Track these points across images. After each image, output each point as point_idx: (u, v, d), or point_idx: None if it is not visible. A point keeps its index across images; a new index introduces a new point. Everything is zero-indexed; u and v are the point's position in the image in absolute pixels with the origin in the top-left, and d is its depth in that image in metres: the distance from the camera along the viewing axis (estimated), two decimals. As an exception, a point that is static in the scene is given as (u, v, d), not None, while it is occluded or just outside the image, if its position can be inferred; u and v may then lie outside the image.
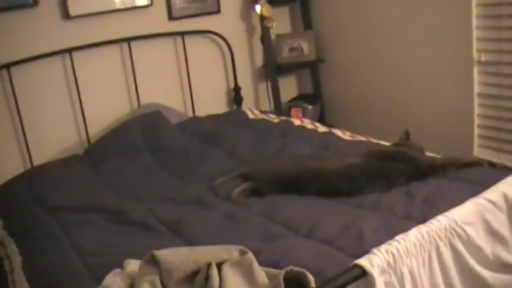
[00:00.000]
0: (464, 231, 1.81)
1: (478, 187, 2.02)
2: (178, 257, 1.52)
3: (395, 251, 1.64)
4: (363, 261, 1.58)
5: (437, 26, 3.16)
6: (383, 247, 1.65)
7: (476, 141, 3.16)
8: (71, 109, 3.24)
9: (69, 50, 3.12)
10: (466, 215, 1.84)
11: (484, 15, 2.94)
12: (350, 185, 2.20)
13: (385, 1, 3.45)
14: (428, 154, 2.46)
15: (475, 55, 3.02)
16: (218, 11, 3.72)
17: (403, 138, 2.54)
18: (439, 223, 1.78)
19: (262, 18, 3.71)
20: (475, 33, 2.99)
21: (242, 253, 1.55)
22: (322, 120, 3.99)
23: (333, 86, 4.08)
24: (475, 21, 2.97)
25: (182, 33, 3.54)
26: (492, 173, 2.19)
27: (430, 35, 3.23)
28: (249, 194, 2.33)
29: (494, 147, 3.09)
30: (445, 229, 1.77)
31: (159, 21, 3.49)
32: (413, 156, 2.32)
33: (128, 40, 3.33)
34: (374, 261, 1.59)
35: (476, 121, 3.13)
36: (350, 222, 1.91)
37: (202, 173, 2.66)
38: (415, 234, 1.72)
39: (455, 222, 1.80)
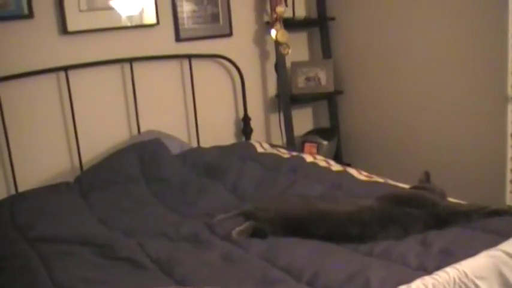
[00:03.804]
0: (476, 285, 1.80)
1: (504, 239, 2.00)
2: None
3: None
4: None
5: (468, 58, 3.19)
6: None
7: (508, 187, 3.15)
8: (63, 132, 3.29)
9: (65, 68, 3.19)
10: (478, 268, 1.83)
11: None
12: (361, 230, 2.20)
13: (412, 30, 3.49)
14: (452, 200, 2.45)
15: (510, 91, 3.03)
16: (230, 34, 3.79)
17: (422, 181, 2.54)
18: (447, 275, 1.77)
19: (277, 43, 3.75)
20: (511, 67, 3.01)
21: (234, 298, 1.56)
22: (338, 157, 4.01)
23: (351, 121, 4.11)
24: (511, 53, 2.99)
25: (189, 56, 3.60)
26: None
27: (460, 67, 3.25)
28: (250, 234, 2.34)
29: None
30: (454, 282, 1.76)
31: (165, 42, 3.56)
32: (432, 201, 2.31)
33: (130, 60, 3.39)
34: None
35: (509, 165, 3.13)
36: (357, 271, 1.90)
37: (201, 209, 2.68)
38: (419, 286, 1.71)
39: (466, 275, 1.79)
